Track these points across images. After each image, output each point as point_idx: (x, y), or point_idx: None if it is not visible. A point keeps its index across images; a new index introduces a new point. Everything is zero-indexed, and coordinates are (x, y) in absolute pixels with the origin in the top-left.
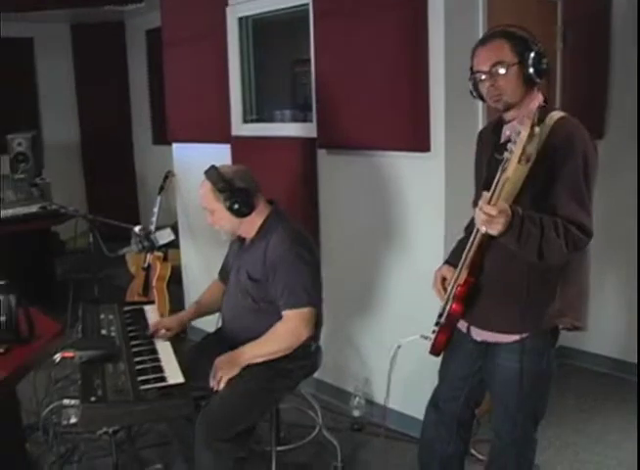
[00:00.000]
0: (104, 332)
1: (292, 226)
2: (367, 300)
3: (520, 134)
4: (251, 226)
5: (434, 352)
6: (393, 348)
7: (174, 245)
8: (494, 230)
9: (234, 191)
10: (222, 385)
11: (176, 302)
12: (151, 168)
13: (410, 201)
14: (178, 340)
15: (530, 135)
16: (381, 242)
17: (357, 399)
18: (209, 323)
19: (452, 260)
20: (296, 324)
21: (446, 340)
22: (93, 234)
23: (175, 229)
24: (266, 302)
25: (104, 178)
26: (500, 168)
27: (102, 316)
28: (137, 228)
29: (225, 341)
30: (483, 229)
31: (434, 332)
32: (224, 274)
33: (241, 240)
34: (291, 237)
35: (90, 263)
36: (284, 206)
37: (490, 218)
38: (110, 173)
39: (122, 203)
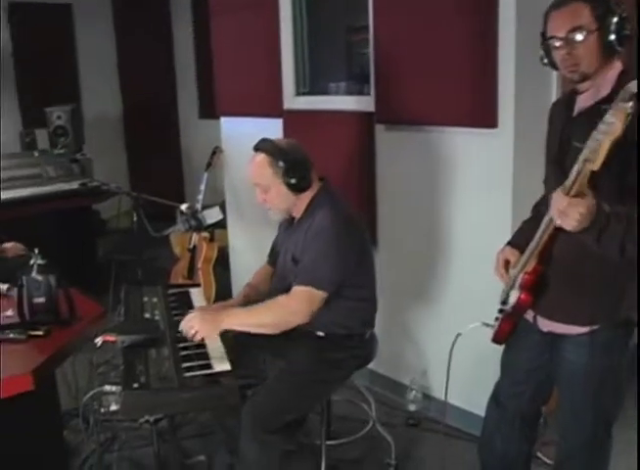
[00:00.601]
0: (147, 315)
1: (340, 205)
2: (425, 285)
3: (610, 125)
4: (301, 204)
5: (497, 340)
6: (453, 337)
7: (221, 225)
8: (568, 226)
9: (293, 163)
10: (191, 335)
11: (223, 285)
12: (197, 144)
13: (475, 181)
14: None
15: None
16: (442, 224)
17: (414, 392)
18: None
19: (516, 242)
20: (299, 302)
21: (511, 329)
22: (137, 213)
23: (223, 208)
24: None
25: (147, 154)
26: (582, 159)
27: (145, 299)
28: (184, 206)
29: None
30: (558, 222)
31: (497, 319)
32: (273, 257)
33: (288, 220)
34: (335, 216)
35: (133, 244)
36: (339, 185)
37: (566, 212)
38: (153, 149)
39: (167, 180)
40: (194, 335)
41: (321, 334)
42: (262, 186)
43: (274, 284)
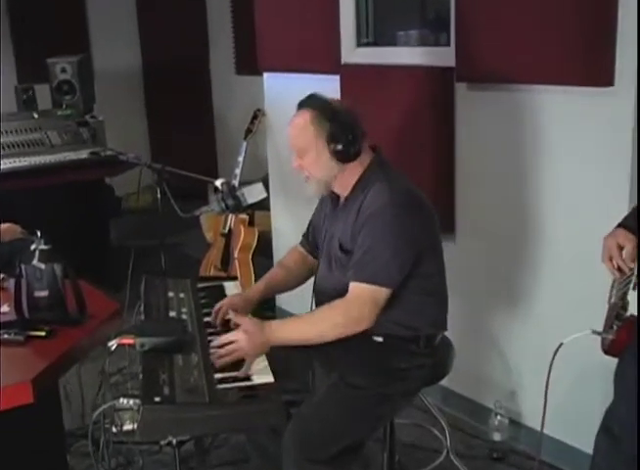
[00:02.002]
0: (172, 314)
1: (397, 179)
2: (515, 282)
3: None
4: (348, 178)
5: (613, 351)
6: (552, 349)
7: (263, 205)
8: None
9: (342, 125)
10: (224, 360)
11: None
12: (234, 105)
13: (582, 152)
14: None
15: None
16: (537, 206)
17: (499, 417)
18: (303, 307)
19: (631, 225)
20: (361, 304)
21: (631, 338)
22: (160, 189)
23: (265, 185)
24: None
25: (172, 117)
26: None
27: (170, 294)
28: (218, 182)
29: None
30: None
31: (612, 327)
32: (308, 239)
33: (333, 199)
34: (392, 191)
35: (155, 227)
36: (408, 157)
37: None
38: (180, 111)
39: (196, 149)
40: (234, 359)
41: (379, 339)
42: (299, 149)
43: (319, 278)
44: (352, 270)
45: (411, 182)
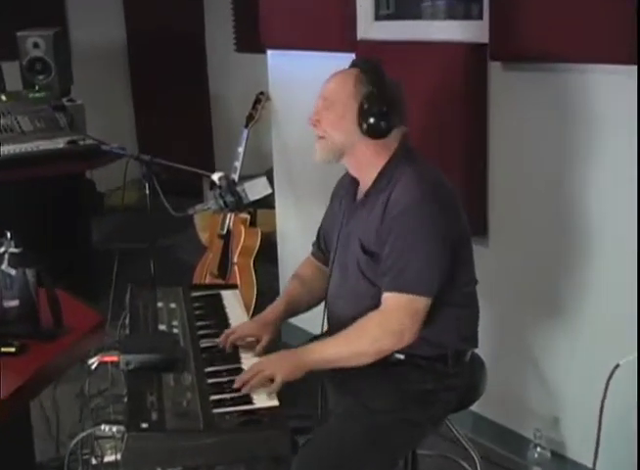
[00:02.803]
0: (162, 327)
1: (428, 171)
2: (558, 292)
3: None
4: (368, 158)
5: None
6: (601, 370)
7: (267, 203)
8: None
9: (384, 95)
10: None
11: (267, 286)
12: (233, 88)
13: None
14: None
15: None
16: (584, 206)
17: (539, 449)
18: (313, 321)
19: None
20: (400, 316)
21: None
22: (149, 184)
23: (270, 180)
24: None
25: (162, 102)
26: None
27: (159, 305)
28: (216, 176)
29: None
30: None
31: None
32: (320, 247)
33: (350, 193)
34: (424, 186)
35: (143, 227)
36: (433, 148)
37: None
38: (171, 94)
39: (190, 139)
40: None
41: (400, 356)
42: (328, 100)
43: (331, 284)
44: (386, 278)
45: (441, 173)
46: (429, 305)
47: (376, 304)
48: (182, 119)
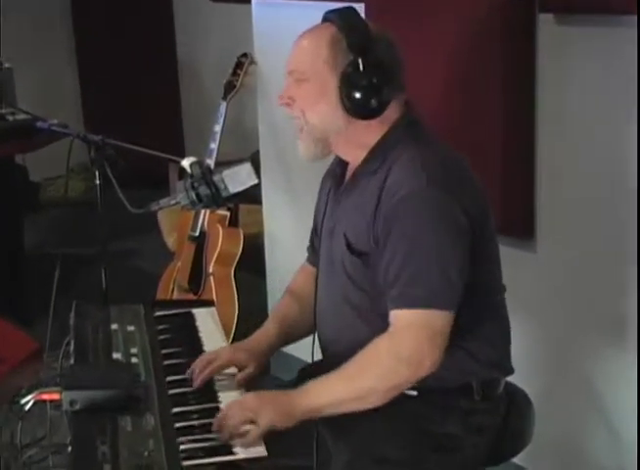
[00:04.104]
0: (117, 356)
1: (432, 146)
2: (624, 310)
3: None
4: (361, 139)
5: None
6: None
7: (251, 197)
8: None
9: (374, 63)
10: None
11: (252, 303)
12: (208, 48)
13: None
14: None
15: None
16: None
17: None
18: (305, 344)
19: None
20: (413, 338)
21: None
22: (100, 172)
23: (256, 166)
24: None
25: (115, 66)
26: None
27: (114, 327)
28: (187, 162)
29: None
30: None
31: None
32: (316, 249)
33: (336, 175)
34: (430, 166)
35: (92, 227)
36: (461, 126)
37: None
38: (127, 56)
39: (152, 114)
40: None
41: (412, 392)
42: (298, 72)
43: (319, 293)
44: (392, 292)
45: (453, 149)
46: (451, 322)
47: (364, 314)
48: (142, 89)
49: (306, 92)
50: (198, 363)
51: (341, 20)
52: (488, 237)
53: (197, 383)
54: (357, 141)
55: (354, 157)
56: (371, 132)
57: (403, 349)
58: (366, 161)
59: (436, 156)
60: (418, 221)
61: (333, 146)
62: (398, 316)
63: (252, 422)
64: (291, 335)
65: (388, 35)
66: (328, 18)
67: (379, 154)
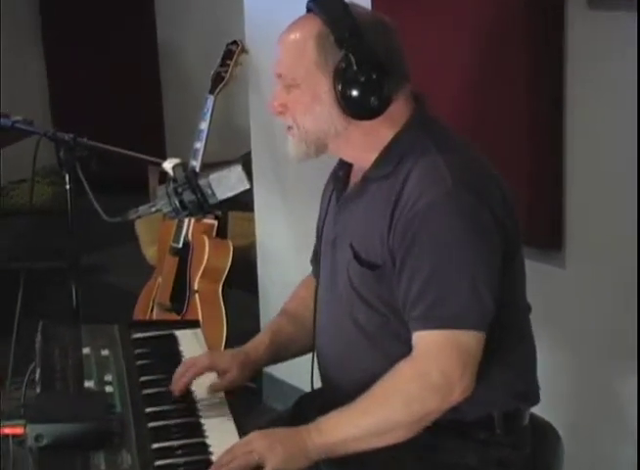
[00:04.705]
0: (89, 385)
1: (455, 147)
2: None
3: None
4: (367, 142)
5: None
6: None
7: (242, 204)
8: None
9: (367, 55)
10: None
11: (243, 324)
12: (192, 34)
13: None
14: (245, 403)
15: None
16: None
17: None
18: (301, 369)
19: None
20: (441, 361)
21: None
22: (70, 176)
23: (247, 169)
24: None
25: (87, 55)
26: None
27: (85, 351)
28: (169, 164)
29: (332, 405)
30: None
31: None
32: (319, 259)
33: (338, 178)
34: (456, 168)
35: (61, 238)
36: (480, 125)
37: None
38: (100, 44)
39: (129, 110)
40: None
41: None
42: (287, 77)
43: (318, 309)
44: (415, 311)
45: (476, 148)
46: (482, 343)
47: (372, 335)
48: (117, 82)
49: (298, 98)
50: (177, 371)
51: (323, 11)
52: (515, 249)
53: (175, 392)
54: (363, 143)
55: (360, 159)
56: (379, 132)
57: (430, 374)
58: (376, 164)
59: (461, 156)
60: (444, 230)
61: (332, 149)
62: (424, 338)
63: (259, 467)
64: (284, 350)
65: (381, 19)
66: (311, 7)
67: (392, 156)
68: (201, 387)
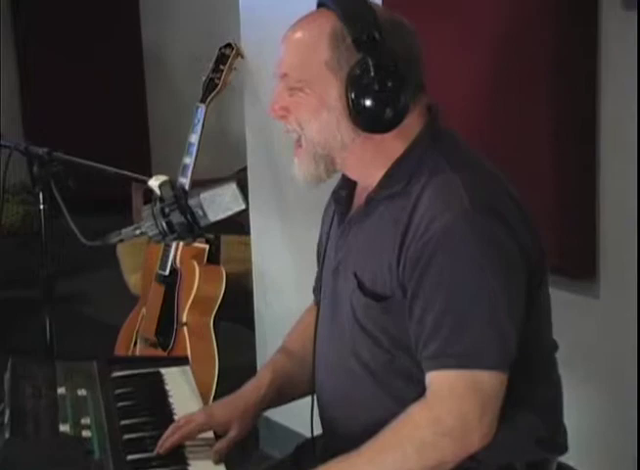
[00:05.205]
0: (64, 429)
1: (475, 162)
2: None
3: None
4: (373, 159)
5: None
6: None
7: (236, 226)
8: None
9: (386, 58)
10: None
11: (237, 361)
12: (180, 36)
13: None
14: (238, 449)
15: None
16: None
17: None
18: (300, 412)
19: None
20: (458, 405)
21: None
22: (45, 195)
23: (243, 187)
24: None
25: (64, 61)
26: None
27: (60, 391)
28: (155, 182)
29: (334, 453)
30: None
31: None
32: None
33: (340, 199)
34: (474, 187)
35: (33, 264)
36: (501, 138)
37: None
38: (79, 49)
39: (111, 122)
40: None
41: None
42: (292, 79)
43: (318, 344)
44: (428, 349)
45: (494, 166)
46: (504, 384)
47: (378, 373)
48: (98, 88)
49: (304, 102)
50: (168, 429)
51: (341, 6)
52: (540, 277)
53: (160, 449)
54: (369, 158)
55: (365, 177)
56: (388, 147)
57: (446, 418)
58: (383, 183)
59: (477, 173)
60: (460, 257)
61: (338, 164)
62: (438, 379)
63: None
64: (286, 392)
65: (403, 21)
66: (324, 2)
67: (400, 175)
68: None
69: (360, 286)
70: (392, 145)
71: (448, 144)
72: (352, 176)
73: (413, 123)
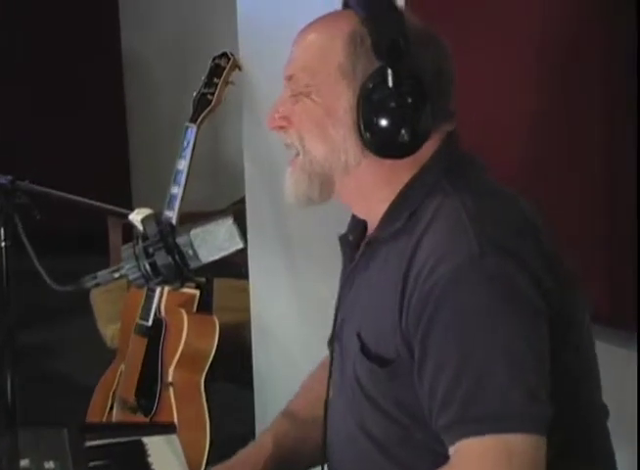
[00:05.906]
0: None
1: (490, 195)
2: None
3: None
4: (374, 188)
5: None
6: None
7: (232, 267)
8: None
9: (409, 71)
10: None
11: (232, 428)
12: (166, 44)
13: None
14: None
15: None
16: None
17: None
18: None
19: None
20: None
21: None
22: (7, 231)
23: (240, 222)
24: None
25: (32, 75)
26: None
27: (24, 464)
28: (138, 216)
29: None
30: None
31: None
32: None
33: (345, 243)
34: (486, 226)
35: None
36: (536, 162)
37: None
38: (51, 60)
39: (86, 146)
40: None
41: None
42: (298, 83)
43: (331, 412)
44: (444, 417)
45: (519, 199)
46: (543, 448)
47: (389, 448)
48: (70, 105)
49: (308, 109)
50: None
51: (365, 7)
52: (577, 332)
53: None
54: (377, 188)
55: (368, 211)
56: (398, 175)
57: None
58: (385, 219)
59: (493, 207)
60: (471, 307)
61: (335, 189)
62: (462, 451)
63: None
64: (291, 461)
65: (436, 36)
66: (348, 3)
67: (401, 209)
68: None
69: (363, 348)
70: (402, 173)
71: (461, 173)
72: (354, 209)
73: (428, 147)
